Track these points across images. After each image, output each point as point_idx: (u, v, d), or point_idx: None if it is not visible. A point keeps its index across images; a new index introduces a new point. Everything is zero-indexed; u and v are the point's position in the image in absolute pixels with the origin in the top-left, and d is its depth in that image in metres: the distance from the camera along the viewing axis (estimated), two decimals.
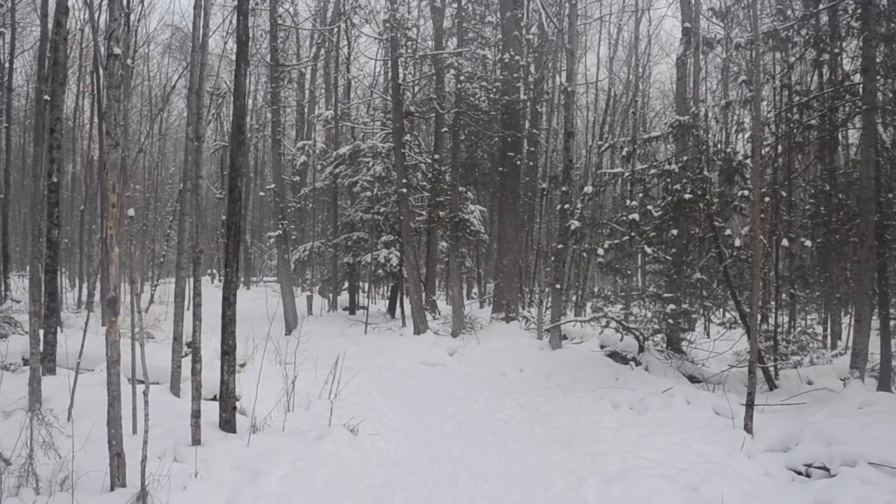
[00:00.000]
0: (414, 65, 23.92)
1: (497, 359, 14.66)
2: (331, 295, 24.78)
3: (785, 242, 10.85)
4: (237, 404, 9.82)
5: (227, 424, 7.26)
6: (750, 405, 8.94)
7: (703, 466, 7.49)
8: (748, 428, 8.87)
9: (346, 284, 25.32)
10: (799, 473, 7.73)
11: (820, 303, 17.03)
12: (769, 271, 13.34)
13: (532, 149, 21.25)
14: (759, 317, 9.52)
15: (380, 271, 22.12)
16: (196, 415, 6.74)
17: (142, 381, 10.72)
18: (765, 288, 13.70)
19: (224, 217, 7.68)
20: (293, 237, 31.64)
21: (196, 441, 6.73)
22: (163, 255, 24.75)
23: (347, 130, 27.19)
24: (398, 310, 21.98)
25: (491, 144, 19.55)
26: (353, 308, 24.67)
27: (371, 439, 7.87)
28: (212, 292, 32.74)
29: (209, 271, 49.17)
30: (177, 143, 41.34)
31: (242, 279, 40.67)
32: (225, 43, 18.75)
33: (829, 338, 17.93)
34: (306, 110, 30.68)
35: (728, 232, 11.91)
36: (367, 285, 26.67)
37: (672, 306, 11.88)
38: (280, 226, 18.85)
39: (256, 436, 7.25)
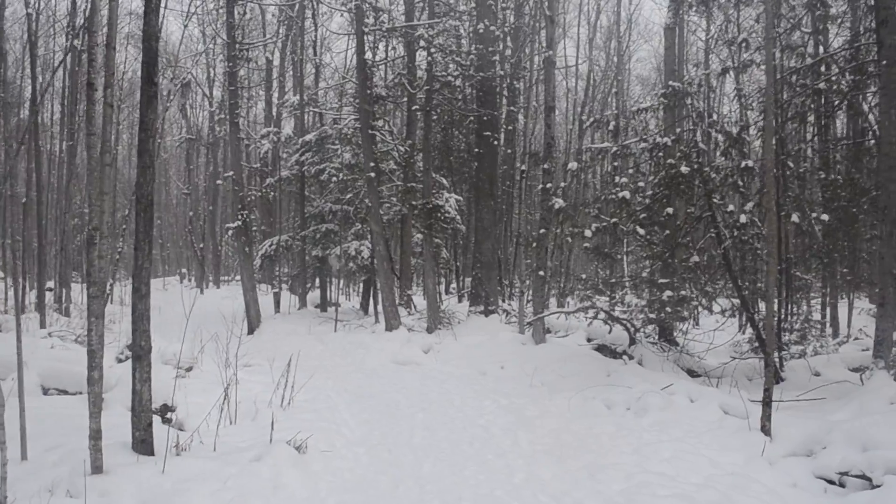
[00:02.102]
0: (384, 46, 22.59)
1: (476, 355, 13.37)
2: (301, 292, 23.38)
3: (795, 218, 9.66)
4: (172, 416, 8.47)
5: (143, 445, 5.87)
6: (767, 403, 7.72)
7: (723, 480, 6.24)
8: (766, 429, 7.66)
9: (318, 280, 23.94)
10: (831, 483, 6.53)
11: (821, 287, 15.90)
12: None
13: (510, 128, 19.91)
14: (775, 301, 8.29)
15: (351, 264, 20.71)
16: (96, 435, 5.35)
17: (62, 391, 9.38)
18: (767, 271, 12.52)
19: (135, 192, 6.14)
20: (261, 230, 30.24)
21: (97, 469, 5.34)
22: (119, 250, 23.11)
23: (316, 118, 25.76)
24: (372, 306, 20.61)
25: (466, 125, 18.19)
26: (324, 305, 23.26)
27: (323, 458, 6.51)
28: (174, 293, 31.22)
29: (180, 271, 47.50)
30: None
31: (212, 277, 39.09)
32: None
33: (828, 325, 16.89)
34: (275, 97, 29.20)
35: (731, 208, 10.66)
36: (339, 281, 25.41)
37: (669, 293, 10.64)
38: (239, 216, 17.37)
39: (179, 458, 5.88)
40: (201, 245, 35.81)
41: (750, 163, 10.14)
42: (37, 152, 18.22)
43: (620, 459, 6.71)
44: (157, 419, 7.59)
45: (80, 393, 8.56)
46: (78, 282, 33.14)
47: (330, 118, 22.35)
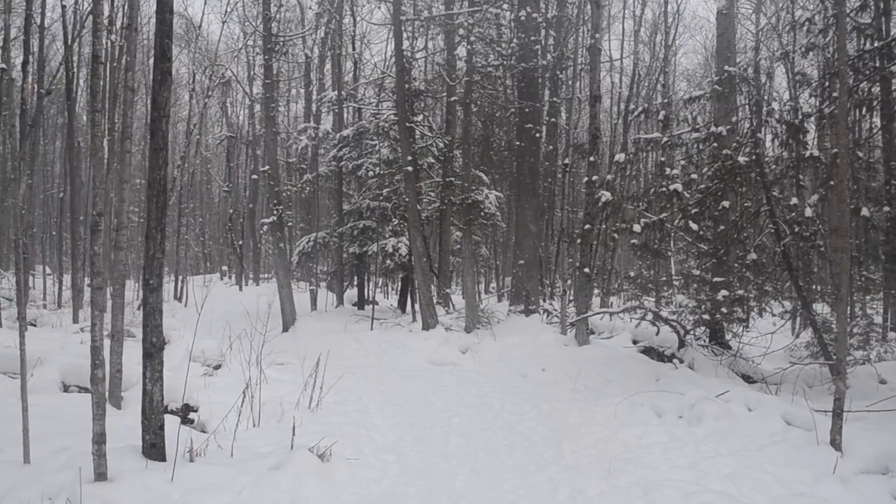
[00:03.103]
0: (424, 39, 22.09)
1: (515, 357, 12.76)
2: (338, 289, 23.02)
3: (865, 212, 8.86)
4: (195, 416, 8.07)
5: (153, 450, 5.42)
6: (838, 414, 6.99)
7: (793, 502, 5.56)
8: (836, 444, 6.93)
9: (356, 278, 23.57)
10: None
11: (885, 287, 14.87)
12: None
13: (552, 120, 19.17)
14: (847, 301, 7.53)
15: (388, 262, 20.29)
16: (99, 439, 4.92)
17: (83, 388, 9.05)
18: (829, 270, 11.67)
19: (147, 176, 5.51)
20: (300, 227, 29.99)
21: (100, 476, 4.90)
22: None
23: (355, 114, 25.38)
24: (409, 304, 20.13)
25: (507, 119, 17.54)
26: (361, 303, 22.88)
27: (348, 466, 5.98)
28: (214, 291, 31.15)
29: (221, 268, 47.70)
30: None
31: (252, 275, 39.08)
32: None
33: (889, 329, 15.84)
34: (314, 95, 28.93)
35: (794, 201, 9.88)
36: (378, 279, 24.96)
37: (724, 292, 9.89)
38: (275, 211, 17.02)
39: (192, 465, 5.41)
40: (240, 242, 35.78)
41: (816, 152, 9.36)
42: (70, 147, 18.10)
43: (675, 475, 6.05)
44: (175, 420, 7.19)
45: (126, 391, 8.20)
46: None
47: (368, 113, 21.90)
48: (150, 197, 5.39)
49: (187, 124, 25.97)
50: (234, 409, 7.20)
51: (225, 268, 46.67)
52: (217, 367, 10.64)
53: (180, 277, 26.78)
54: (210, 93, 25.07)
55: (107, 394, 7.88)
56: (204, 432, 7.45)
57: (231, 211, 37.42)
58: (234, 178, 38.37)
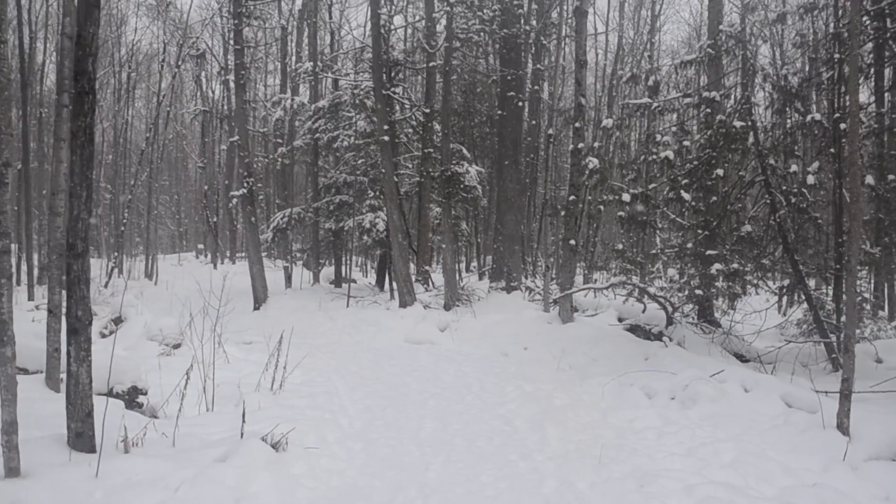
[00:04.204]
0: (402, 3, 21.25)
1: (497, 335, 12.14)
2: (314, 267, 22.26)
3: (870, 179, 8.29)
4: (144, 400, 7.36)
5: (79, 440, 4.71)
6: (846, 395, 6.41)
7: (804, 494, 4.98)
8: (843, 427, 6.36)
9: (332, 255, 22.83)
10: None
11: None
12: (831, 222, 10.75)
13: (535, 87, 18.43)
14: (857, 274, 6.94)
15: (365, 238, 19.54)
16: (9, 429, 4.20)
17: (22, 369, 8.30)
18: (826, 244, 11.13)
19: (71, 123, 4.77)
20: (276, 203, 29.09)
21: (11, 471, 4.19)
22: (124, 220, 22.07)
23: (332, 86, 24.49)
24: (388, 282, 19.43)
25: (488, 88, 16.80)
26: (338, 281, 22.14)
27: (307, 457, 5.31)
28: (187, 269, 30.25)
29: (197, 246, 46.64)
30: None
31: (228, 253, 38.14)
32: None
33: (886, 306, 15.38)
34: (290, 66, 27.98)
35: (794, 168, 9.27)
36: (356, 256, 24.29)
37: (718, 266, 9.30)
38: (245, 184, 16.19)
39: (125, 458, 4.72)
40: (215, 219, 34.82)
41: (817, 116, 8.74)
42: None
43: (673, 464, 5.44)
44: (119, 405, 6.49)
45: (41, 372, 7.46)
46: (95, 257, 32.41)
47: (345, 84, 21.05)
48: (73, 148, 4.64)
49: (157, 95, 24.94)
50: (184, 392, 6.48)
51: (201, 246, 45.62)
52: (176, 347, 9.92)
53: (151, 255, 25.89)
54: (180, 62, 24.05)
55: (44, 375, 7.18)
56: (156, 417, 6.77)
57: (206, 187, 36.40)
58: (208, 154, 37.31)
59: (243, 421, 5.20)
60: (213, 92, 39.85)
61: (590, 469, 5.28)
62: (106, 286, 20.50)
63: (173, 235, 54.10)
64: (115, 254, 22.38)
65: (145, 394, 7.19)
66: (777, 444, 6.18)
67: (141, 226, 34.82)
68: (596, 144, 10.62)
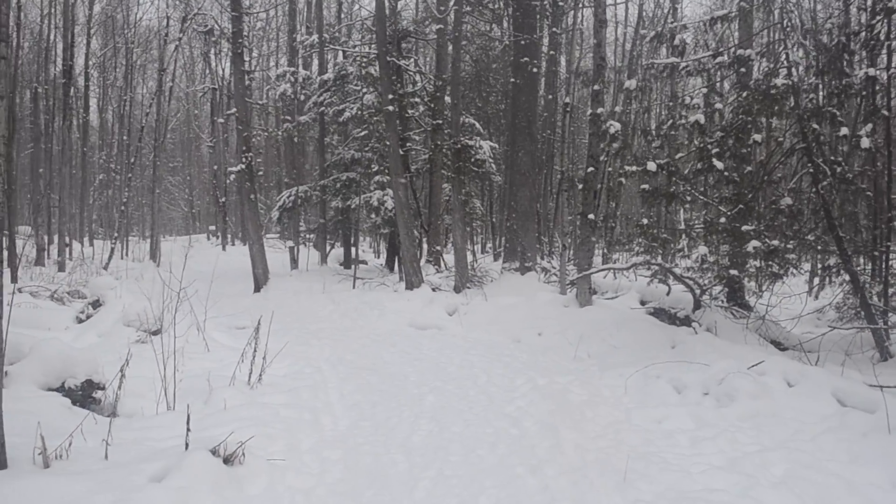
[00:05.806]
0: None
1: (509, 319, 11.20)
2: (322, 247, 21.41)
3: None
4: (101, 396, 6.47)
5: None
6: None
7: None
8: None
9: (341, 235, 21.98)
10: None
11: None
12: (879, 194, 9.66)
13: (552, 52, 17.30)
14: None
15: (373, 216, 18.64)
16: None
17: None
18: (875, 219, 10.03)
19: None
20: (284, 182, 28.22)
21: None
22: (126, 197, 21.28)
23: (339, 58, 23.52)
24: (397, 263, 18.54)
25: (500, 57, 15.72)
26: (347, 262, 21.33)
27: (270, 471, 4.41)
28: (197, 251, 29.52)
29: (208, 228, 45.99)
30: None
31: (240, 234, 37.42)
32: None
33: None
34: (297, 39, 27.01)
35: (844, 131, 8.20)
36: (366, 236, 23.41)
37: (755, 243, 8.26)
38: (244, 159, 15.28)
39: (40, 475, 3.84)
40: (223, 199, 34.03)
41: (872, 71, 7.65)
42: None
43: (714, 481, 4.47)
44: (63, 404, 5.65)
45: (13, 364, 6.60)
46: (98, 237, 31.76)
47: (351, 56, 20.07)
48: None
49: (159, 70, 24.08)
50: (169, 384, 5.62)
51: (213, 227, 44.96)
52: (155, 333, 9.04)
53: (154, 236, 25.16)
54: (182, 34, 23.14)
55: None
56: (115, 416, 5.90)
57: (216, 167, 35.61)
58: (217, 133, 36.48)
59: (188, 429, 4.29)
60: (223, 70, 38.97)
61: (613, 488, 4.32)
62: (106, 268, 19.80)
63: (186, 217, 53.52)
64: (116, 234, 21.62)
65: (103, 388, 6.30)
66: (834, 452, 5.19)
67: (147, 207, 34.24)
68: (617, 109, 9.56)
